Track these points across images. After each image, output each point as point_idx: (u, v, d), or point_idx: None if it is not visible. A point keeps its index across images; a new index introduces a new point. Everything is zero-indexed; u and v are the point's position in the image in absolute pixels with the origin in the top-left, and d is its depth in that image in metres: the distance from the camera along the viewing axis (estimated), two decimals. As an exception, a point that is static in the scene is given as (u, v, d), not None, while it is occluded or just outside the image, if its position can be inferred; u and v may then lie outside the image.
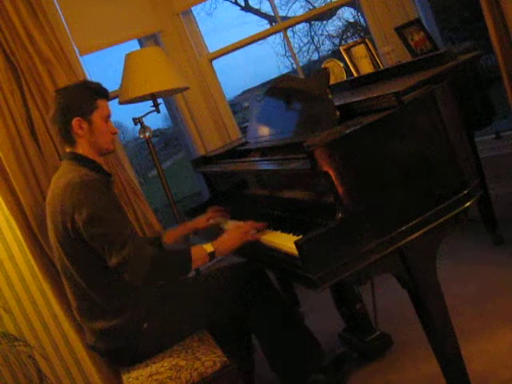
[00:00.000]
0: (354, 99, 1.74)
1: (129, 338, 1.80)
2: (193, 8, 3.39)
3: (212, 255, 1.79)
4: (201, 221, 2.25)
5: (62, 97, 1.87)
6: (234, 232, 1.86)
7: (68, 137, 1.87)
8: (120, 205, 1.89)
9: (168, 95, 3.08)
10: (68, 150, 1.90)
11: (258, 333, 1.97)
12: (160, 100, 2.76)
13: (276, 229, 1.81)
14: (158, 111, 2.70)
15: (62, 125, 1.86)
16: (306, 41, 9.49)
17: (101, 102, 1.89)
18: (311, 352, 1.97)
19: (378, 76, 2.34)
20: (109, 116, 1.93)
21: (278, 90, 2.11)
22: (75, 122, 1.83)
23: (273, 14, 8.48)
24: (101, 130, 1.88)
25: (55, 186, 1.82)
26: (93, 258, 1.75)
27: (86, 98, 1.86)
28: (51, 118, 1.90)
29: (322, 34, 9.48)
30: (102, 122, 1.88)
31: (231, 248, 1.83)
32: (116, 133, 1.96)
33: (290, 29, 9.00)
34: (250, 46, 3.40)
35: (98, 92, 1.89)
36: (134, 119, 2.65)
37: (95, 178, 1.76)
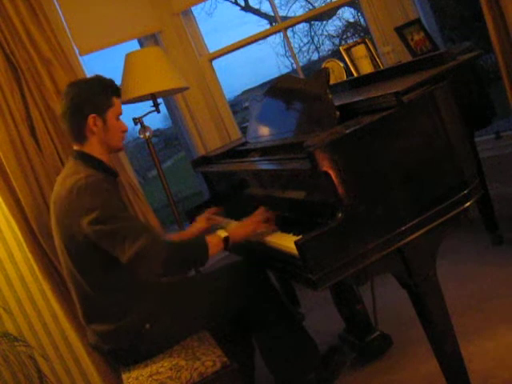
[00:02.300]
0: (354, 99, 1.74)
1: (131, 339, 1.79)
2: (193, 8, 3.39)
3: (226, 240, 1.78)
4: (201, 223, 2.22)
5: (76, 91, 1.81)
6: (247, 220, 1.86)
7: (79, 134, 1.82)
8: (126, 204, 1.89)
9: (168, 95, 3.09)
10: (76, 147, 1.85)
11: (256, 332, 1.97)
12: (160, 100, 2.77)
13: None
14: (158, 111, 2.70)
15: (75, 121, 1.81)
16: (306, 41, 9.48)
17: (115, 100, 1.85)
18: (307, 354, 1.96)
19: (378, 76, 2.34)
20: (120, 114, 1.89)
21: (278, 90, 2.11)
22: (91, 118, 1.79)
23: (273, 14, 8.48)
24: (113, 129, 1.84)
25: (61, 186, 1.78)
26: (97, 261, 1.74)
27: (102, 94, 1.82)
28: (62, 113, 1.84)
29: (322, 34, 9.48)
30: (114, 120, 1.84)
31: (245, 234, 1.82)
32: (126, 131, 1.91)
33: (290, 29, 9.01)
34: (249, 46, 3.40)
35: (113, 89, 1.85)
36: (134, 119, 2.65)
37: (101, 178, 1.73)
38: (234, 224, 2.10)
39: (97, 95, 1.81)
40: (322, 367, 2.09)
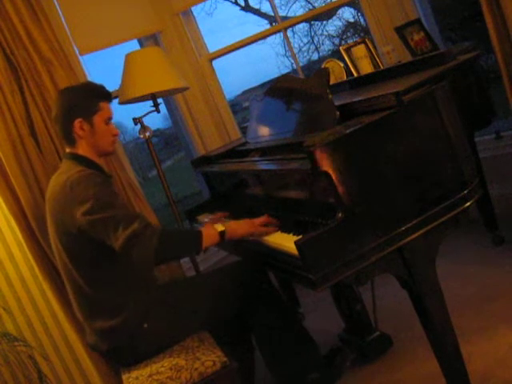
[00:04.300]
0: (354, 99, 1.74)
1: (129, 337, 1.80)
2: (193, 8, 3.39)
3: (222, 235, 1.79)
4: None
5: (64, 97, 1.89)
6: (246, 221, 1.86)
7: (69, 137, 1.89)
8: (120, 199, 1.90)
9: (168, 95, 3.08)
10: (68, 150, 1.92)
11: (256, 332, 1.97)
12: (160, 100, 2.76)
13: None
14: (158, 111, 2.70)
15: (63, 125, 1.88)
16: (306, 41, 9.49)
17: (103, 104, 1.90)
18: (308, 354, 1.96)
19: (378, 76, 2.34)
20: (110, 118, 1.93)
21: (278, 89, 2.11)
22: (77, 123, 1.85)
23: (273, 14, 8.47)
24: (101, 132, 1.90)
25: (55, 183, 1.83)
26: (93, 255, 1.76)
27: (88, 99, 1.88)
28: (53, 117, 1.92)
29: (322, 34, 9.48)
30: (103, 124, 1.90)
31: (241, 233, 1.82)
32: (117, 134, 1.97)
33: (290, 29, 9.01)
34: (249, 46, 3.40)
35: (100, 94, 1.91)
36: (133, 119, 2.65)
37: (92, 172, 1.78)
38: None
39: (83, 100, 1.87)
40: (323, 367, 2.09)
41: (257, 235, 1.83)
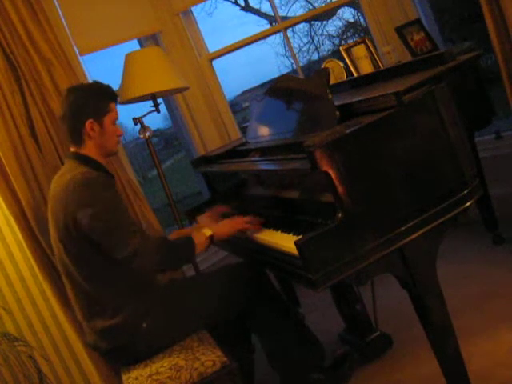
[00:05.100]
0: (354, 99, 1.74)
1: (128, 337, 1.80)
2: (193, 8, 3.39)
3: (211, 239, 1.86)
4: (205, 221, 2.26)
5: (75, 96, 1.88)
6: (230, 220, 1.95)
7: (76, 137, 1.88)
8: (123, 202, 1.91)
9: (168, 95, 3.09)
10: (72, 149, 1.91)
11: (259, 333, 1.97)
12: (160, 100, 2.76)
13: (276, 229, 1.81)
14: (158, 111, 2.70)
15: (72, 125, 1.87)
16: (305, 41, 9.48)
17: (112, 105, 1.91)
18: (311, 351, 1.97)
19: (378, 76, 2.34)
20: (117, 119, 1.94)
21: (278, 89, 2.11)
22: (88, 123, 1.85)
23: (273, 14, 8.47)
24: (109, 133, 1.90)
25: (57, 183, 1.83)
26: (93, 255, 1.76)
27: (100, 100, 1.88)
28: (61, 116, 1.91)
29: (322, 34, 9.47)
30: (111, 125, 1.90)
31: (227, 232, 1.91)
32: (121, 135, 1.98)
33: (290, 29, 9.01)
34: (250, 46, 3.40)
35: (109, 95, 1.92)
36: (134, 119, 2.65)
37: (98, 175, 1.78)
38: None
39: (95, 101, 1.87)
40: (332, 372, 2.10)
41: (244, 231, 1.91)
